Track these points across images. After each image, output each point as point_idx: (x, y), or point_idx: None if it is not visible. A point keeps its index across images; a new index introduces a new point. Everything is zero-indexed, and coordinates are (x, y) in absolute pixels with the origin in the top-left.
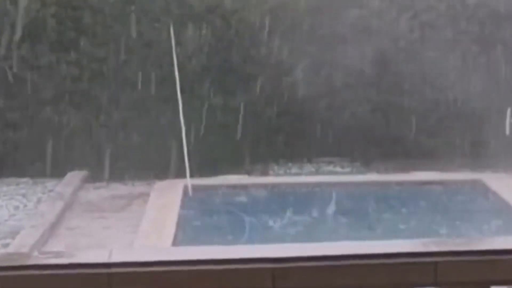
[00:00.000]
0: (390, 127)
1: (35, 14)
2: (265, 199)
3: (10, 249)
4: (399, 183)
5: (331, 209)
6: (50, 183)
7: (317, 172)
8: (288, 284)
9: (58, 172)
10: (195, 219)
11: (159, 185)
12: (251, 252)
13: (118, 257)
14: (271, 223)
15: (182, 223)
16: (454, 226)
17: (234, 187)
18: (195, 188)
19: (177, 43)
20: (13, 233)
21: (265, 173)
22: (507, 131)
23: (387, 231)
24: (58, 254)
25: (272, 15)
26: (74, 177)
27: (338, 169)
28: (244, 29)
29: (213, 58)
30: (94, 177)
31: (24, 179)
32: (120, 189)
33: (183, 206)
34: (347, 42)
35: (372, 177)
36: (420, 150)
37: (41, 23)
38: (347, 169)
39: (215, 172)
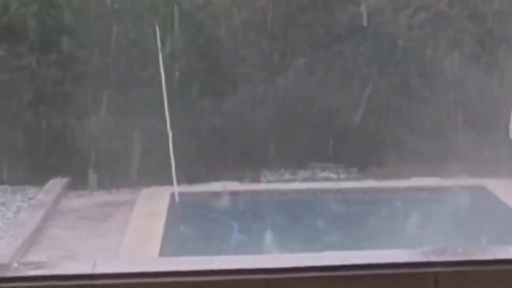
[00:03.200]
0: (388, 130)
1: (14, 12)
2: (256, 207)
3: None
4: (398, 190)
5: (325, 218)
6: (30, 191)
7: (311, 179)
8: None
9: (39, 179)
10: (183, 228)
11: (145, 192)
12: (242, 263)
13: (102, 268)
14: (262, 231)
15: (169, 232)
16: (456, 235)
17: (223, 194)
18: (183, 195)
19: (163, 43)
20: None
21: (256, 179)
22: (511, 135)
23: (386, 242)
24: (39, 265)
25: (264, 13)
26: (56, 184)
27: (333, 175)
28: (234, 28)
29: (201, 59)
30: (77, 184)
31: (3, 187)
32: (104, 196)
33: (170, 214)
34: (343, 41)
35: (369, 183)
36: (420, 155)
37: (21, 22)
38: (343, 175)
39: (203, 178)
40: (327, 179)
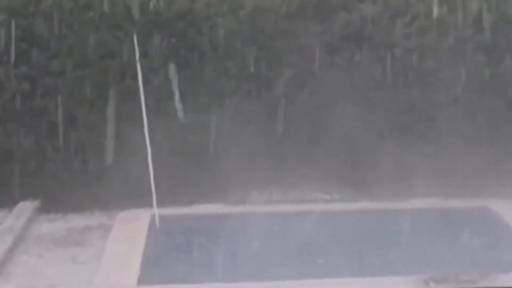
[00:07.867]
0: (385, 147)
1: None
2: (243, 231)
3: None
4: (396, 212)
5: (316, 243)
6: None
7: (302, 200)
8: None
9: (7, 202)
10: (163, 254)
11: (122, 215)
12: None
13: None
14: (249, 257)
15: (148, 259)
16: (458, 261)
17: (207, 217)
18: (163, 218)
19: (141, 54)
20: None
21: (243, 200)
22: None
23: (382, 271)
24: None
25: (250, 21)
26: (26, 207)
27: (326, 195)
28: (218, 37)
29: (182, 71)
30: (49, 207)
31: None
32: (77, 220)
33: (149, 239)
34: (335, 51)
35: (366, 205)
36: (419, 173)
37: None
38: (337, 196)
39: (185, 200)
40: (319, 199)
